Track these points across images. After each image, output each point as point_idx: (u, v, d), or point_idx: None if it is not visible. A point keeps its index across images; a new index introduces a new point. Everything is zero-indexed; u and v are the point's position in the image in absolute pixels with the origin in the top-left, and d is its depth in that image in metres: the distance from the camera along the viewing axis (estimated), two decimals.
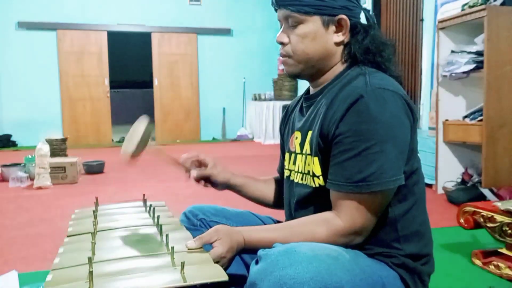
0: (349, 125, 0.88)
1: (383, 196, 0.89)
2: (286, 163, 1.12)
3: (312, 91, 1.08)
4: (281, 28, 1.03)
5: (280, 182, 1.23)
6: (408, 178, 0.93)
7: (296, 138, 1.07)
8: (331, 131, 0.92)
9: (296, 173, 1.06)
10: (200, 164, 1.20)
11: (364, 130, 0.87)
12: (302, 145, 1.04)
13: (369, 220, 0.90)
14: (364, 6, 1.04)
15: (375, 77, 0.93)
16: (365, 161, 0.86)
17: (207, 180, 1.20)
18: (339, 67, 1.02)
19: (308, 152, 1.00)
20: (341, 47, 1.01)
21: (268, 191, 1.25)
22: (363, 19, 1.02)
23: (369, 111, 0.86)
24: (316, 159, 0.97)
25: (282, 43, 1.02)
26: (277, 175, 1.28)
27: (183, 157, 1.18)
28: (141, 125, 1.04)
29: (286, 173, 1.11)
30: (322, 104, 0.98)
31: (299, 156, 1.05)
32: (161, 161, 1.15)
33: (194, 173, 1.17)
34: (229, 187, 1.22)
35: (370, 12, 1.04)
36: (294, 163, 1.07)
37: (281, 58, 1.05)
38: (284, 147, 1.18)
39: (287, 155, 1.12)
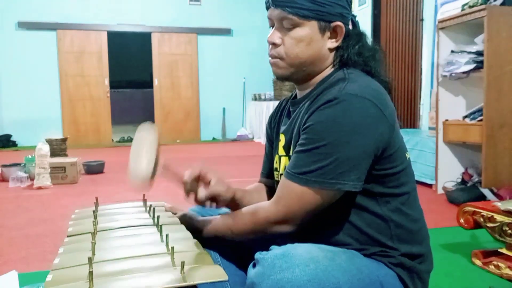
0: (310, 122, 0.91)
1: (318, 196, 0.89)
2: (276, 165, 1.12)
3: (298, 94, 1.08)
4: (271, 26, 1.02)
5: (268, 187, 1.22)
6: (394, 179, 0.94)
7: (280, 141, 1.08)
8: (301, 129, 0.94)
9: (281, 175, 1.06)
10: (200, 179, 1.03)
11: (320, 130, 0.88)
12: (286, 147, 1.05)
13: (294, 212, 0.91)
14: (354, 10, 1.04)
15: (354, 82, 0.92)
16: (311, 158, 0.89)
17: (212, 199, 1.05)
18: (327, 71, 1.02)
19: (291, 154, 1.01)
20: (333, 52, 1.01)
21: (262, 199, 1.20)
22: (350, 24, 1.02)
23: (330, 113, 0.88)
24: None
25: (274, 44, 1.00)
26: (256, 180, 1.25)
27: (189, 178, 1.01)
28: (149, 136, 0.88)
29: (277, 175, 1.12)
30: (304, 107, 0.99)
31: (283, 159, 1.07)
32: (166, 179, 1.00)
33: (202, 195, 1.01)
34: (231, 202, 1.09)
35: (356, 18, 1.05)
36: (280, 166, 1.08)
37: (270, 59, 1.03)
38: (271, 149, 1.19)
39: (276, 157, 1.12)
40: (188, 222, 1.07)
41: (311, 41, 0.97)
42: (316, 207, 0.91)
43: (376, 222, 0.93)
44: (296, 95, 1.11)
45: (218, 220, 1.05)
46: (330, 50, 1.00)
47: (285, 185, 0.93)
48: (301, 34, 0.97)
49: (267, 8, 1.01)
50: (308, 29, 0.96)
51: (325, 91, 0.95)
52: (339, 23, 0.97)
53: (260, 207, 0.98)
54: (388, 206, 0.94)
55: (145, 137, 0.91)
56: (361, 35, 1.01)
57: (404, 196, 0.96)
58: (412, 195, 0.99)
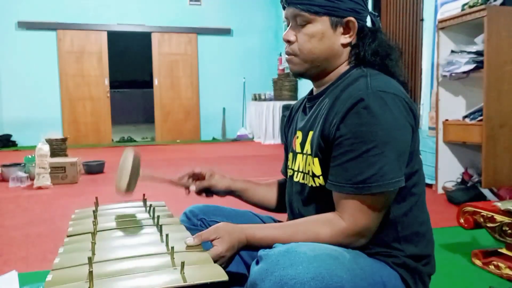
0: (350, 127, 0.88)
1: (384, 198, 0.89)
2: (289, 163, 1.12)
3: (315, 91, 1.08)
4: (287, 26, 1.03)
5: (283, 185, 1.23)
6: (408, 179, 0.93)
7: (297, 137, 1.07)
8: (332, 133, 0.92)
9: (297, 173, 1.06)
10: (197, 177, 1.22)
11: (365, 132, 0.87)
12: (302, 145, 1.04)
13: (371, 221, 0.90)
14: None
15: (377, 79, 0.93)
16: (365, 163, 0.87)
17: (208, 191, 1.22)
18: (343, 68, 1.02)
19: (309, 152, 1.00)
20: (348, 49, 1.01)
21: (270, 195, 1.25)
22: (369, 23, 1.02)
23: (370, 113, 0.87)
24: (316, 160, 0.97)
25: (288, 42, 1.02)
26: (281, 177, 1.28)
27: (178, 177, 1.21)
28: (128, 158, 1.07)
29: (289, 172, 1.11)
30: (325, 105, 0.99)
31: (299, 156, 1.06)
32: (159, 184, 1.19)
33: (193, 187, 1.20)
34: (230, 193, 1.23)
35: (377, 16, 1.05)
36: (295, 163, 1.07)
37: (286, 56, 1.05)
38: (287, 147, 1.19)
39: (290, 155, 1.12)
40: (228, 232, 0.91)
41: (323, 36, 0.98)
42: (386, 208, 0.91)
43: (383, 223, 0.93)
44: (312, 91, 1.11)
45: (279, 229, 0.94)
46: (344, 45, 1.00)
47: (348, 200, 0.89)
48: (313, 30, 0.98)
49: (284, 8, 1.03)
50: (320, 24, 0.97)
51: (346, 89, 0.94)
52: (351, 18, 0.97)
53: (335, 223, 0.90)
54: (398, 207, 0.94)
55: (124, 160, 1.09)
56: (376, 33, 1.01)
57: (413, 197, 0.96)
58: (421, 198, 0.99)
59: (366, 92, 0.88)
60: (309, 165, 1.00)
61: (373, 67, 0.99)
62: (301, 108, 1.13)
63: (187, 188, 1.21)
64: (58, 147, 4.67)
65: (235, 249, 0.90)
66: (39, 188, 3.77)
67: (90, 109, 7.90)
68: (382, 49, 1.00)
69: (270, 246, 0.86)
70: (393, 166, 0.87)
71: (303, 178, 1.04)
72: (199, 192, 1.22)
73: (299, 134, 1.06)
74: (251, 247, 0.92)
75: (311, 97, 1.08)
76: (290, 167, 1.11)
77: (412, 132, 0.92)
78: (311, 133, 1.00)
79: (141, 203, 1.31)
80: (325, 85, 1.04)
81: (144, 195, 1.34)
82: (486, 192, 2.88)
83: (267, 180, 1.29)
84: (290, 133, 1.17)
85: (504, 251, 1.78)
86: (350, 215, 0.89)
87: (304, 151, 1.03)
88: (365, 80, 0.92)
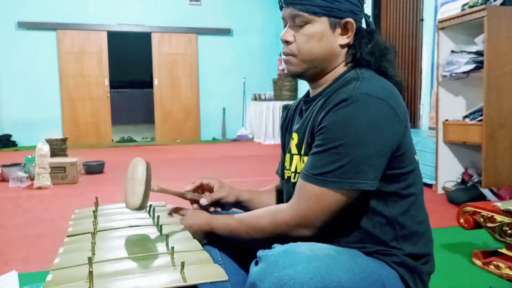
0: (326, 123, 0.90)
1: (337, 196, 0.89)
2: (286, 165, 1.12)
3: (311, 93, 1.08)
4: (284, 26, 1.03)
5: (280, 190, 1.23)
6: (403, 180, 0.94)
7: (293, 139, 1.08)
8: (316, 129, 0.94)
9: (293, 174, 1.07)
10: (204, 189, 1.20)
11: (336, 129, 0.88)
12: (299, 146, 1.05)
13: (314, 215, 0.91)
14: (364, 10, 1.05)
15: (368, 82, 0.93)
16: (329, 158, 0.88)
17: (216, 204, 1.18)
18: (340, 69, 1.03)
19: (303, 152, 1.01)
20: (345, 49, 1.02)
21: (270, 201, 1.25)
22: (364, 25, 1.02)
23: (346, 113, 0.88)
24: (307, 158, 0.98)
25: (286, 42, 1.01)
26: (277, 180, 1.28)
27: (187, 189, 1.17)
28: (139, 170, 0.99)
29: (287, 173, 1.12)
30: (318, 106, 0.99)
31: (295, 157, 1.06)
32: (168, 196, 1.15)
33: (204, 201, 1.14)
34: (237, 204, 1.21)
35: (370, 18, 1.05)
36: (292, 164, 1.08)
37: (284, 56, 1.05)
38: (285, 149, 1.19)
39: (287, 156, 1.12)
40: (196, 215, 1.10)
41: (322, 37, 0.98)
42: (336, 208, 0.90)
43: (381, 222, 0.93)
44: (309, 93, 1.11)
45: (234, 219, 1.04)
46: (342, 46, 1.01)
47: (303, 187, 0.92)
48: (312, 30, 0.98)
49: (281, 8, 1.02)
50: (319, 25, 0.97)
51: (338, 90, 0.95)
52: (349, 19, 0.98)
53: (279, 210, 0.97)
54: (395, 207, 0.94)
55: (134, 171, 1.01)
56: (373, 34, 1.01)
57: (411, 197, 0.96)
58: (419, 197, 0.99)
59: (351, 94, 0.89)
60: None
61: (369, 67, 0.99)
62: (298, 111, 1.14)
63: (197, 201, 1.16)
64: (58, 147, 4.67)
65: (193, 230, 1.03)
66: (39, 188, 3.78)
67: (90, 109, 7.90)
68: (378, 50, 1.00)
69: (230, 235, 1.02)
70: (356, 168, 0.87)
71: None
72: (209, 206, 1.16)
73: (295, 136, 1.07)
74: (216, 234, 1.06)
75: (307, 100, 1.08)
76: (287, 168, 1.11)
77: (401, 136, 0.91)
78: (306, 134, 1.01)
79: None
80: (321, 86, 1.04)
81: None
82: (486, 192, 2.88)
83: (265, 187, 1.29)
84: (287, 135, 1.17)
85: (504, 251, 1.79)
86: (296, 202, 0.94)
87: (301, 152, 1.03)
88: (355, 83, 0.92)
